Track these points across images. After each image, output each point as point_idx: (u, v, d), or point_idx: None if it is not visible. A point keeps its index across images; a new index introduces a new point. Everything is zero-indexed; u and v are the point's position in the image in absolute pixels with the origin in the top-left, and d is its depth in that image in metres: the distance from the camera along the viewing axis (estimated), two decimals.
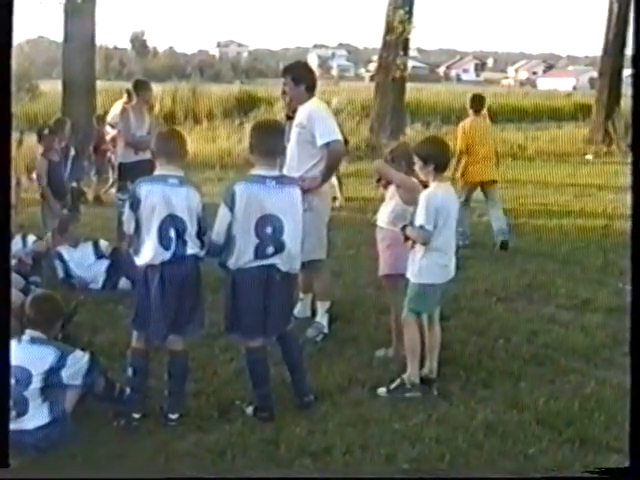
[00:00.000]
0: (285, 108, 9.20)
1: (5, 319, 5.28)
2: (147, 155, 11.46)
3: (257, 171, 6.68)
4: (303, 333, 8.36)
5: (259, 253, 6.56)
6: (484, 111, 15.18)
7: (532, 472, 5.87)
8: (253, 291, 6.65)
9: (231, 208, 6.52)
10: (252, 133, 6.92)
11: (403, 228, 7.27)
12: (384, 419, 6.71)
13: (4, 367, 5.30)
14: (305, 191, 7.06)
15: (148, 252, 6.52)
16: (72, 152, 13.01)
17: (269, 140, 6.78)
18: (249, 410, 6.84)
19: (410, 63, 30.79)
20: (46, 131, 12.87)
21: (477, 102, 13.85)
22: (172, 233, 6.47)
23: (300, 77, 8.63)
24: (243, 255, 6.57)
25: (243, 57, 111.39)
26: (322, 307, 8.84)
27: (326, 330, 8.72)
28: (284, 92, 8.77)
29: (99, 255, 10.85)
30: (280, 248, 6.60)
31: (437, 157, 7.14)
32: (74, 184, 13.08)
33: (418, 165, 7.18)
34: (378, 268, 8.20)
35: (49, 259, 10.73)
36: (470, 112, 13.66)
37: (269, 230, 6.54)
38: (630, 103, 5.27)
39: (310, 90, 8.63)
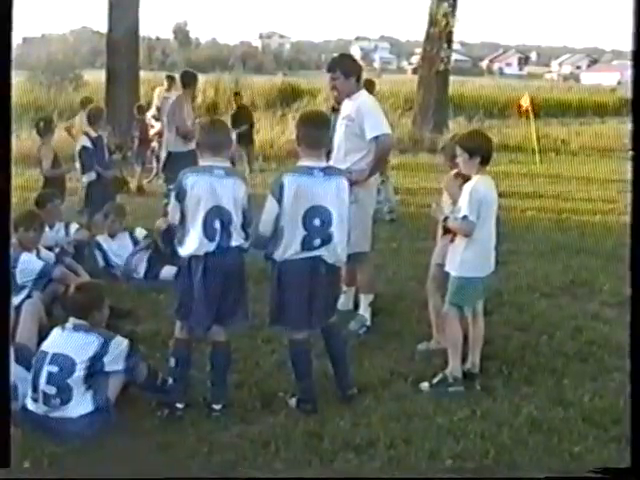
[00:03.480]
0: (333, 100, 9.12)
1: (5, 319, 5.27)
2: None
3: (304, 162, 6.67)
4: (346, 326, 8.31)
5: (306, 245, 6.54)
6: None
7: (579, 470, 5.80)
8: (299, 283, 6.63)
9: (279, 200, 6.50)
10: (298, 125, 6.90)
11: (444, 220, 7.26)
12: (427, 414, 6.67)
13: (4, 368, 5.29)
14: (351, 183, 7.01)
15: (192, 243, 6.52)
16: (105, 141, 12.93)
17: (316, 131, 6.75)
18: (292, 402, 6.84)
19: (453, 56, 30.64)
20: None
21: (370, 85, 14.46)
22: (217, 224, 6.47)
23: (350, 70, 8.59)
24: (290, 247, 6.55)
25: (285, 49, 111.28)
26: (365, 300, 8.81)
27: (369, 323, 8.71)
28: (334, 87, 8.68)
29: (136, 244, 10.91)
30: (327, 240, 6.58)
31: (483, 150, 7.10)
32: (108, 172, 12.96)
33: (463, 158, 7.13)
34: (420, 262, 8.22)
35: (89, 248, 10.77)
36: None
37: (317, 222, 6.52)
38: None
39: (358, 82, 8.61)
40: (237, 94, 22.77)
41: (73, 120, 17.38)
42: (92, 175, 12.52)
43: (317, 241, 6.55)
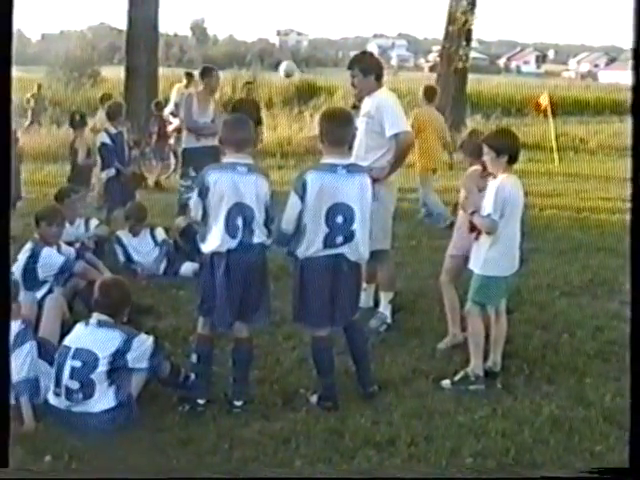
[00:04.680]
0: (352, 98, 9.11)
1: (5, 317, 5.27)
2: (210, 142, 11.52)
3: (327, 160, 6.66)
4: (366, 323, 8.29)
5: (328, 242, 6.55)
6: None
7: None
8: (321, 280, 6.64)
9: (302, 197, 6.50)
10: (322, 122, 6.88)
11: (472, 214, 7.25)
12: (449, 411, 6.69)
13: (4, 367, 5.29)
14: (373, 181, 7.00)
15: (215, 240, 6.53)
16: (126, 136, 12.97)
17: (339, 129, 6.74)
18: (313, 399, 6.85)
19: (470, 54, 30.55)
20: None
21: (430, 92, 14.85)
22: (239, 221, 6.48)
23: (368, 68, 8.58)
24: (312, 244, 6.56)
25: (303, 46, 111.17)
26: (385, 298, 8.80)
27: (389, 320, 8.70)
28: (353, 84, 8.70)
29: (157, 242, 10.95)
30: (350, 237, 6.59)
31: (511, 149, 7.10)
32: (127, 169, 12.96)
33: (490, 156, 7.11)
34: (440, 259, 8.28)
35: (109, 244, 10.82)
36: (424, 102, 14.71)
37: (340, 219, 6.52)
38: None
39: (378, 80, 8.59)
40: (249, 83, 21.17)
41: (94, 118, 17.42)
42: (111, 171, 12.56)
43: (339, 239, 6.56)
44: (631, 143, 5.30)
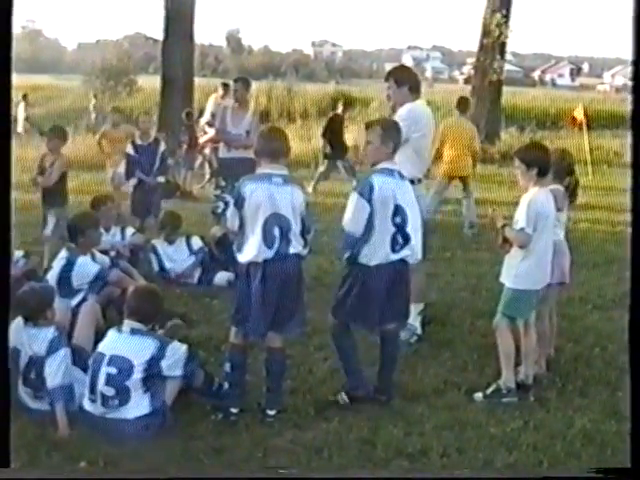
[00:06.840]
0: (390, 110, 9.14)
1: (5, 317, 5.31)
2: (241, 153, 11.59)
3: (386, 165, 6.88)
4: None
5: (394, 244, 6.78)
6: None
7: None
8: (387, 286, 6.88)
9: (369, 200, 6.68)
10: (388, 131, 7.07)
11: (503, 227, 7.24)
12: (480, 423, 6.69)
13: (4, 367, 5.33)
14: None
15: (251, 250, 6.57)
16: (162, 147, 13.07)
17: (398, 138, 7.06)
18: (343, 397, 7.00)
19: (505, 67, 30.46)
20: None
21: (463, 103, 15.23)
22: (276, 231, 6.52)
23: (402, 79, 8.61)
24: (379, 248, 6.76)
25: (337, 57, 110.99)
26: (415, 309, 8.73)
27: (419, 332, 8.69)
28: (388, 95, 8.75)
29: (192, 251, 11.01)
30: (407, 240, 6.81)
31: (540, 162, 7.11)
32: (160, 178, 13.02)
33: (520, 169, 7.14)
34: (473, 272, 8.23)
35: (144, 252, 10.88)
36: (456, 113, 15.07)
37: (398, 220, 6.76)
38: None
39: (413, 92, 8.59)
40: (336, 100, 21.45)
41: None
42: (134, 181, 12.76)
43: (401, 240, 6.78)
44: (631, 156, 5.31)
